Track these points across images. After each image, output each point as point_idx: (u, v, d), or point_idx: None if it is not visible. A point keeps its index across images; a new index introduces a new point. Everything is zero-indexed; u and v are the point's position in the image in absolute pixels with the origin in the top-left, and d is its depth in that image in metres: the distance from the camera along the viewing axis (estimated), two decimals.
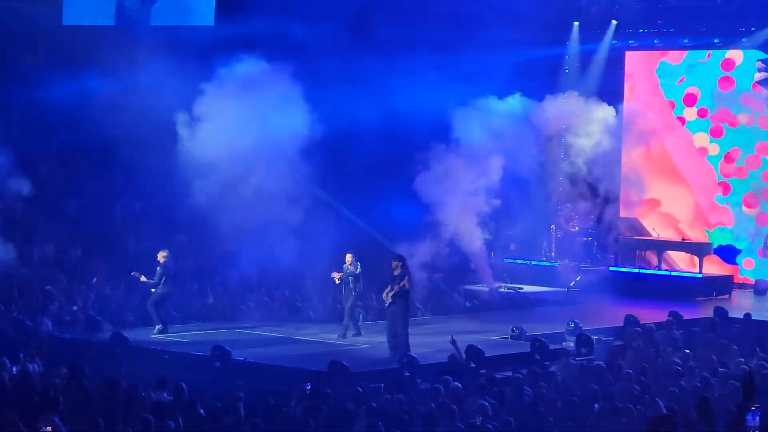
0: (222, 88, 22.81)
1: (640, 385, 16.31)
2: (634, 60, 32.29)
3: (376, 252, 24.26)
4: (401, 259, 20.35)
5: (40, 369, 16.97)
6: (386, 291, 20.13)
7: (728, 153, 31.10)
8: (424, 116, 26.29)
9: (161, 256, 21.74)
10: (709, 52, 31.37)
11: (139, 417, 13.45)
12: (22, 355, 17.91)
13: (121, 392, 14.83)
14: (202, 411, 13.69)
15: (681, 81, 31.82)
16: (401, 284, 19.89)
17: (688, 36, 31.27)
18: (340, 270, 21.69)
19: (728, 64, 31.19)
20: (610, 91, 30.31)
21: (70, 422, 13.46)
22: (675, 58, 31.96)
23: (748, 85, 30.91)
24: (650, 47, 32.16)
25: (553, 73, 31.28)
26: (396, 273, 20.03)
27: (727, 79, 31.16)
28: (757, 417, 10.90)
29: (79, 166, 29.57)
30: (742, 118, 30.97)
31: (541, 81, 29.50)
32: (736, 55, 31.02)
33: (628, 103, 30.93)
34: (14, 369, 16.71)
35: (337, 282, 21.71)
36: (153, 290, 21.69)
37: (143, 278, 21.69)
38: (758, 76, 30.54)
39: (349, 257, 21.64)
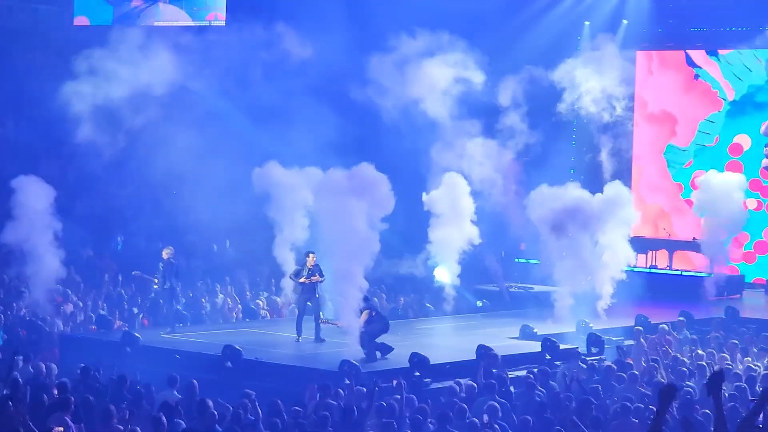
0: None
1: (650, 385, 16.32)
2: (641, 141, 32.07)
3: None
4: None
5: (52, 369, 17.00)
6: None
7: (736, 237, 30.22)
8: None
9: (165, 253, 21.71)
10: (717, 136, 31.35)
11: (150, 415, 13.51)
12: (33, 354, 17.94)
13: (131, 391, 14.89)
14: (214, 411, 13.71)
15: (689, 164, 31.77)
16: None
17: (698, 35, 31.29)
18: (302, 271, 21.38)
19: (736, 149, 31.10)
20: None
21: (81, 421, 13.51)
22: (683, 141, 31.93)
23: (756, 171, 30.82)
24: (661, 47, 32.13)
25: None
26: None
27: (734, 164, 30.77)
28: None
29: (90, 166, 29.63)
30: (750, 203, 30.48)
31: None
32: (743, 139, 31.00)
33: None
34: (26, 368, 16.76)
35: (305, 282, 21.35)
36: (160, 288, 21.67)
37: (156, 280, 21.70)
38: (766, 161, 30.38)
39: (311, 257, 21.25)
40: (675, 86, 32.13)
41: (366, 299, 20.04)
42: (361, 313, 19.66)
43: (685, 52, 31.85)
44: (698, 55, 31.73)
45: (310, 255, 21.14)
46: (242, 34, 26.34)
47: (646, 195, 31.70)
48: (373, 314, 19.76)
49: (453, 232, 25.09)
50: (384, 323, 19.91)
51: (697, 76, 31.74)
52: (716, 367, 17.76)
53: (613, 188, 25.91)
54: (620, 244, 25.36)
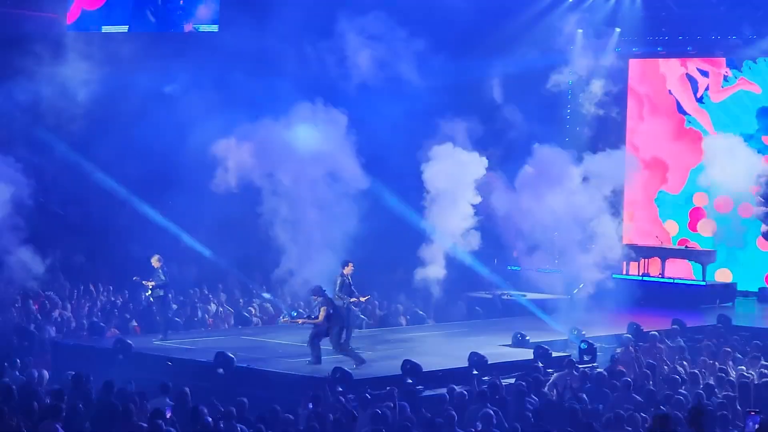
0: None
1: (642, 393, 16.32)
2: (633, 187, 31.50)
3: None
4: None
5: (43, 376, 16.95)
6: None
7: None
8: None
9: (155, 261, 21.60)
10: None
11: (143, 423, 13.48)
12: (22, 361, 17.88)
13: (122, 398, 14.85)
14: (209, 418, 13.69)
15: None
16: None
17: (691, 43, 31.35)
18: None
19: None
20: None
21: (72, 429, 13.47)
22: (674, 188, 31.88)
23: None
24: (654, 54, 32.18)
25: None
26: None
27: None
28: (757, 422, 10.90)
29: (84, 172, 29.62)
30: None
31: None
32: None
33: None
34: (17, 375, 16.72)
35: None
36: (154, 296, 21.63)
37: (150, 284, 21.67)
38: (755, 210, 30.35)
39: (350, 266, 20.78)
40: (665, 133, 32.10)
41: (319, 291, 19.06)
42: (319, 309, 18.82)
43: (676, 101, 31.86)
44: (688, 103, 31.70)
45: (349, 264, 20.02)
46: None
47: (637, 240, 31.62)
48: (331, 311, 18.81)
49: (451, 212, 24.88)
50: (342, 320, 19.15)
51: (687, 123, 31.78)
52: (709, 383, 17.79)
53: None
54: (608, 225, 25.42)
